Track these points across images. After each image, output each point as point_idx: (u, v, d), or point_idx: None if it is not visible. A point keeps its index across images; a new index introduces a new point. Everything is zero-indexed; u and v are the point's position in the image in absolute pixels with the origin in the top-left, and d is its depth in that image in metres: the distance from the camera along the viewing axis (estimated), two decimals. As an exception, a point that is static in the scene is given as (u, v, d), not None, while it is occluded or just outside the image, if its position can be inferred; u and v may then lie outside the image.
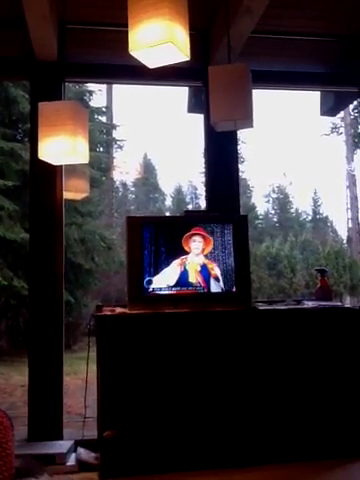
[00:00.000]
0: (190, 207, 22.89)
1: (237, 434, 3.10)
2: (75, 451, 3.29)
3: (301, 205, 24.16)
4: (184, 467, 2.98)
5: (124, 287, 3.48)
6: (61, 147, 3.13)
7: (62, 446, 3.28)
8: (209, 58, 3.86)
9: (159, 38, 2.23)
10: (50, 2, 3.11)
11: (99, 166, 13.69)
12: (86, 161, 3.29)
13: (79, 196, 4.79)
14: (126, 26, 2.32)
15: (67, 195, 3.98)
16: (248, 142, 21.21)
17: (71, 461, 3.17)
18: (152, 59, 2.41)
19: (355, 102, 5.24)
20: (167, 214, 22.55)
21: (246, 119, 3.18)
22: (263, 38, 3.90)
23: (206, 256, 3.27)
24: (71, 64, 3.83)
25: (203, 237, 3.25)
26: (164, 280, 3.21)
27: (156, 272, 3.21)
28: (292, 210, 23.93)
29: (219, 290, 3.28)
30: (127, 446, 2.98)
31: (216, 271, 3.27)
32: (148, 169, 23.20)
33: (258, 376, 3.17)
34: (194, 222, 3.30)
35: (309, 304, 3.51)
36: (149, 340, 3.08)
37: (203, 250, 3.25)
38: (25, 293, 9.57)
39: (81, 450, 3.27)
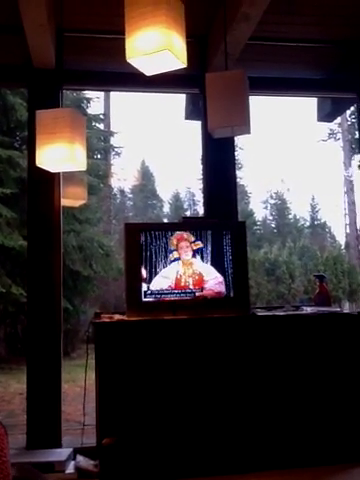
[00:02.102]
0: (188, 213, 22.90)
1: (237, 440, 3.09)
2: (74, 459, 3.28)
3: (299, 211, 24.20)
4: (184, 474, 2.97)
5: (122, 294, 3.48)
6: (59, 154, 3.13)
7: (61, 454, 3.27)
8: (206, 65, 3.88)
9: (156, 46, 2.24)
10: (48, 10, 3.12)
11: (97, 173, 13.70)
12: (84, 168, 3.29)
13: (77, 203, 4.79)
14: (123, 33, 2.32)
15: (65, 202, 3.98)
16: (246, 148, 21.28)
17: (70, 469, 3.16)
18: (149, 66, 2.41)
19: (352, 108, 5.22)
20: (165, 221, 22.55)
21: (243, 125, 3.18)
22: (260, 44, 3.91)
23: (200, 259, 3.28)
24: (69, 71, 3.84)
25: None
26: (161, 285, 3.22)
27: (154, 278, 3.22)
28: (290, 216, 23.96)
29: (217, 296, 3.28)
30: (126, 453, 2.97)
31: (209, 275, 3.29)
32: (146, 176, 23.21)
33: (257, 382, 3.17)
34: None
35: (308, 310, 3.51)
36: (148, 347, 3.08)
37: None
38: (23, 300, 9.55)
39: (80, 458, 3.25)
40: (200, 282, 3.28)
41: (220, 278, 3.30)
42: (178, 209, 22.42)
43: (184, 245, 3.29)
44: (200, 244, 3.31)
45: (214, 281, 3.30)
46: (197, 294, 3.27)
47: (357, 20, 3.87)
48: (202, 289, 3.28)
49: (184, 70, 2.49)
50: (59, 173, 3.71)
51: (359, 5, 3.66)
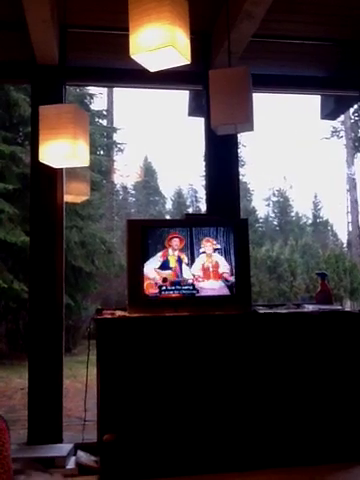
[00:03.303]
0: (190, 210, 22.85)
1: (238, 438, 3.10)
2: (75, 454, 3.29)
3: (301, 209, 24.16)
4: (184, 471, 2.97)
5: (124, 290, 3.48)
6: (62, 150, 3.14)
7: (62, 449, 3.28)
8: (210, 62, 3.87)
9: (160, 42, 2.23)
10: (51, 6, 3.12)
11: (100, 169, 13.70)
12: (87, 164, 3.29)
13: (80, 199, 4.81)
14: (127, 30, 2.32)
15: (68, 198, 3.98)
16: (248, 145, 21.22)
17: (71, 464, 3.17)
18: (153, 63, 2.41)
19: (355, 106, 5.26)
20: (167, 217, 22.54)
21: (246, 122, 3.18)
22: (263, 42, 3.90)
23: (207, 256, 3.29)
24: (72, 68, 3.84)
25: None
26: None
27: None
28: (292, 214, 23.90)
29: (219, 293, 3.29)
30: (127, 450, 2.98)
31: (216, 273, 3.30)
32: (148, 172, 23.18)
33: (258, 380, 3.17)
34: (189, 225, 3.34)
35: (309, 308, 3.51)
36: (149, 343, 3.08)
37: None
38: (25, 296, 9.56)
39: (81, 453, 3.26)
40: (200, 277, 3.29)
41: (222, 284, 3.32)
42: (181, 206, 22.38)
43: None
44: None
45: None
46: (197, 295, 3.27)
47: (359, 19, 3.86)
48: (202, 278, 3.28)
49: (187, 67, 2.50)
50: (62, 169, 3.71)
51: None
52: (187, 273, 3.28)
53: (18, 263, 10.54)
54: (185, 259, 3.28)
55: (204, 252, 3.31)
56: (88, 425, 3.41)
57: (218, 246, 3.32)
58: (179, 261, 3.28)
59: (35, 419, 3.55)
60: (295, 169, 28.54)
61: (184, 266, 3.28)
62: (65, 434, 3.58)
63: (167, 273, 3.25)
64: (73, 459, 3.24)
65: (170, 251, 3.27)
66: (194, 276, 3.27)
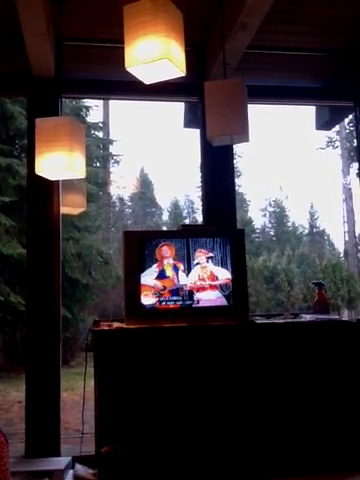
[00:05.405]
0: (187, 221, 22.89)
1: (238, 448, 3.08)
2: (73, 467, 3.27)
3: (298, 219, 24.19)
4: (183, 483, 2.96)
5: (121, 302, 3.48)
6: (58, 162, 3.14)
7: (60, 462, 3.26)
8: (205, 73, 3.89)
9: (155, 54, 2.25)
10: (47, 19, 3.13)
11: (96, 181, 13.72)
12: (83, 176, 3.30)
13: (76, 211, 4.82)
14: (122, 42, 2.34)
15: (64, 210, 3.99)
16: (244, 156, 21.30)
17: (69, 478, 3.15)
18: (148, 75, 2.43)
19: (350, 116, 5.28)
20: (164, 228, 22.56)
21: (242, 134, 3.19)
22: (258, 53, 3.93)
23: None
24: (68, 80, 3.84)
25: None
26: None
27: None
28: (289, 224, 23.93)
29: (216, 303, 3.29)
30: (125, 462, 2.96)
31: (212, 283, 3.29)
32: (145, 184, 23.21)
33: (257, 390, 3.16)
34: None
35: (307, 317, 3.50)
36: (147, 355, 3.08)
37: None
38: (22, 309, 9.54)
39: (79, 466, 3.24)
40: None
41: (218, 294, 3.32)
42: (177, 217, 22.42)
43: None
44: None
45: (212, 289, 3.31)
46: (194, 306, 3.27)
47: (353, 30, 3.89)
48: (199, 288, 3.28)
49: (183, 79, 2.51)
50: (58, 181, 3.71)
51: (355, 15, 3.69)
52: (184, 280, 3.28)
53: (15, 275, 10.52)
54: (181, 267, 3.28)
55: (198, 263, 3.31)
56: (86, 438, 3.39)
57: (210, 254, 3.32)
58: (175, 269, 3.27)
59: (33, 432, 3.53)
60: (291, 179, 28.64)
61: (181, 273, 3.28)
62: (63, 447, 3.57)
63: (165, 282, 3.25)
64: (71, 472, 3.22)
65: (165, 261, 3.27)
66: (191, 283, 3.27)
